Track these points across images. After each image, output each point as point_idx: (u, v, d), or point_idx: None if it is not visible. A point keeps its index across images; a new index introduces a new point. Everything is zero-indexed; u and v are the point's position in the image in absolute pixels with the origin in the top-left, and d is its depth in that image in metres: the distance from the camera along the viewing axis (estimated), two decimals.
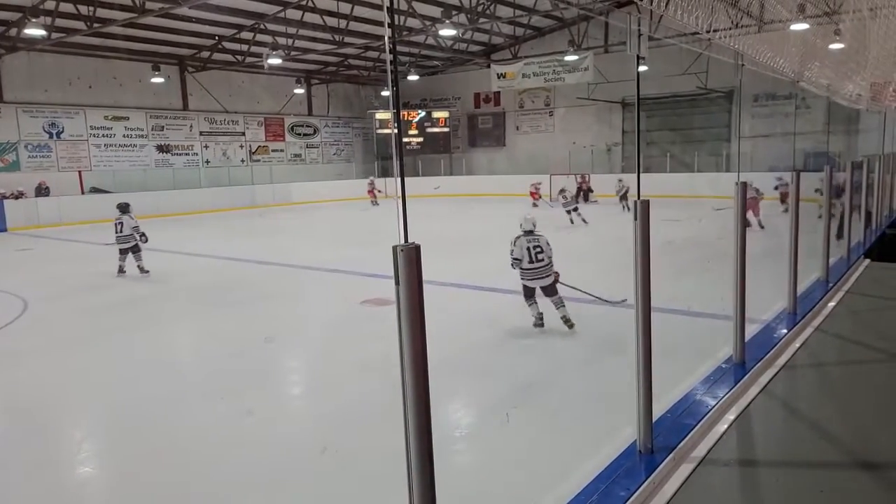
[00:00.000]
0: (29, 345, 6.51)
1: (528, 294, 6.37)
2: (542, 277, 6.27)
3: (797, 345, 5.10)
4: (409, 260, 2.00)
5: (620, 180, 17.69)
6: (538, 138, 26.96)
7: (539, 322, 6.24)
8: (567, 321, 6.08)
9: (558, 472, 3.41)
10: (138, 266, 9.85)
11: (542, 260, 6.30)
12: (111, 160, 21.37)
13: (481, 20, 20.00)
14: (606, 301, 6.87)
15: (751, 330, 4.95)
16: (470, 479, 3.47)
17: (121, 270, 9.85)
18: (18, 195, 18.27)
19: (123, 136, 21.66)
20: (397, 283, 2.01)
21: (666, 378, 3.92)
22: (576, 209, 14.79)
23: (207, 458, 3.81)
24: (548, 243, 6.38)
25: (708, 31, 4.30)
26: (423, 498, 2.11)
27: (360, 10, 18.45)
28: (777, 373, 4.51)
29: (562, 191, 15.59)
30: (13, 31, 17.26)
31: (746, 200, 12.45)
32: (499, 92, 26.55)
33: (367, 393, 4.73)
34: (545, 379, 4.90)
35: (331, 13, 18.57)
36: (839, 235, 11.13)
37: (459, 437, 3.96)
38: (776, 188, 14.29)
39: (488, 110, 28.33)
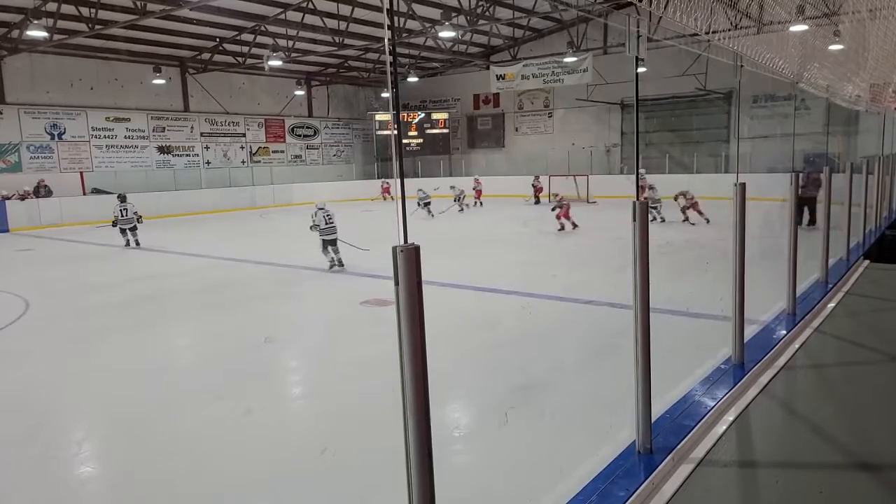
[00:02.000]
0: (30, 345, 6.53)
1: (325, 246, 9.75)
2: (333, 234, 9.79)
3: (796, 346, 5.11)
4: (409, 260, 2.01)
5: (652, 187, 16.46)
6: (537, 139, 26.99)
7: (335, 264, 9.78)
8: (340, 262, 9.78)
9: (557, 472, 3.41)
10: (136, 241, 13.18)
11: (332, 223, 9.78)
12: (112, 161, 21.40)
13: (480, 22, 20.05)
14: (358, 247, 10.14)
15: (750, 331, 4.96)
16: (469, 479, 3.48)
17: (128, 244, 13.15)
18: (24, 195, 18.29)
19: (125, 137, 21.69)
20: (397, 283, 2.02)
21: (665, 379, 3.93)
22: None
23: (207, 458, 3.82)
24: (332, 213, 9.77)
25: (707, 33, 4.32)
26: (422, 498, 2.11)
27: (360, 12, 18.47)
28: (776, 374, 4.51)
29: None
30: (15, 33, 17.30)
31: (695, 202, 12.27)
32: (498, 93, 26.59)
33: (367, 393, 4.73)
34: (544, 379, 4.91)
35: (331, 15, 18.60)
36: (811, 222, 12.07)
37: (458, 437, 3.97)
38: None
39: (487, 111, 28.36)
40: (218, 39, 20.96)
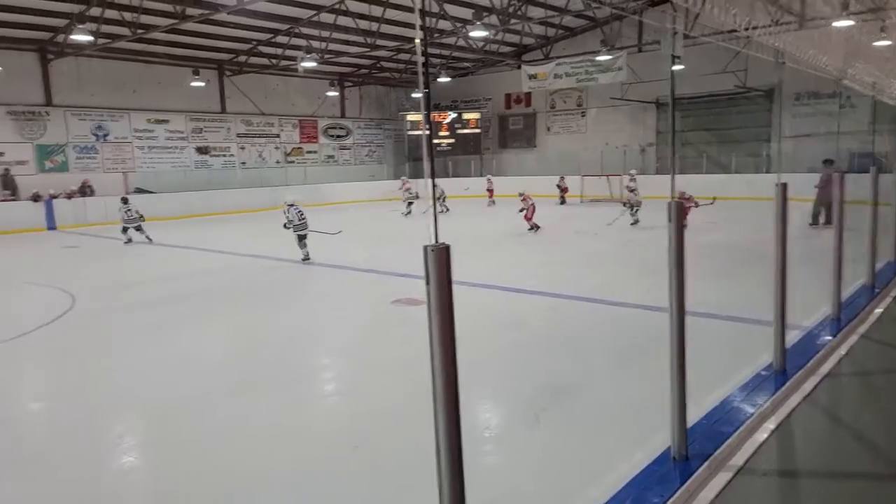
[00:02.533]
0: (76, 338, 6.74)
1: (301, 239, 10.58)
2: (305, 229, 10.60)
3: (841, 352, 4.94)
4: (440, 260, 2.00)
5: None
6: (570, 139, 26.74)
7: (308, 257, 10.59)
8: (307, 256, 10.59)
9: (588, 475, 3.37)
10: (146, 237, 14.06)
11: (304, 219, 10.61)
12: (153, 162, 21.97)
13: (512, 21, 19.93)
14: (328, 233, 11.41)
15: (792, 336, 4.82)
16: (499, 480, 3.45)
17: (130, 241, 13.99)
18: (70, 195, 18.92)
19: (165, 138, 22.25)
20: (427, 282, 2.01)
21: (702, 384, 3.84)
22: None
23: (241, 451, 3.88)
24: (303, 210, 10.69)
25: (747, 29, 4.21)
26: (452, 497, 2.11)
27: (392, 13, 18.57)
28: (820, 381, 4.37)
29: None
30: (61, 37, 17.91)
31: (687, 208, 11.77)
32: (530, 93, 26.41)
33: (398, 392, 4.75)
34: (575, 381, 4.85)
35: (363, 16, 18.75)
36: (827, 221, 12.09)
37: (489, 438, 3.95)
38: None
39: (519, 111, 28.21)
40: (254, 42, 21.33)
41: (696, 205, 13.28)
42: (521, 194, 14.46)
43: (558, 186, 21.76)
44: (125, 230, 14.16)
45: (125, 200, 14.92)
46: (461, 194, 23.37)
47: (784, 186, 4.18)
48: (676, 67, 3.55)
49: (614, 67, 21.50)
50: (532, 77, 23.83)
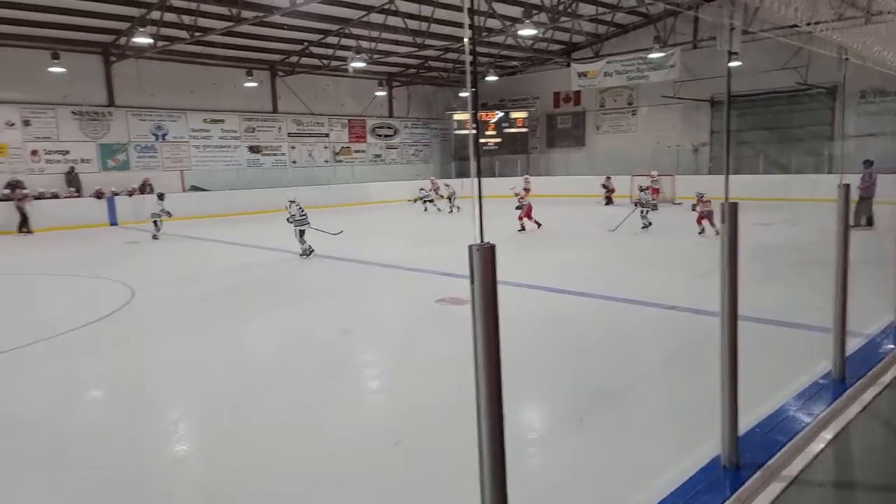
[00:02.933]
0: (134, 330, 7.03)
1: (301, 234, 11.31)
2: (305, 224, 11.33)
3: None
4: (485, 259, 2.00)
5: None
6: (620, 138, 26.26)
7: (306, 251, 11.31)
8: (311, 249, 11.35)
9: (633, 481, 3.31)
10: (155, 233, 15.04)
11: (305, 214, 11.36)
12: (208, 160, 22.70)
13: (562, 19, 19.70)
14: (328, 232, 12.16)
15: (852, 344, 4.61)
16: (542, 482, 3.43)
17: (155, 237, 14.72)
18: (131, 192, 19.77)
19: (220, 137, 22.96)
20: (472, 282, 2.02)
21: (755, 392, 3.72)
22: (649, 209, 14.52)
23: (287, 442, 3.97)
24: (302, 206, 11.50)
25: (808, 24, 4.05)
26: (494, 498, 2.10)
27: (441, 13, 18.64)
28: (881, 391, 4.17)
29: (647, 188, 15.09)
30: (123, 40, 18.70)
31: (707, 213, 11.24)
32: (579, 91, 26.06)
33: (441, 391, 4.77)
34: (620, 385, 4.76)
35: (412, 16, 18.87)
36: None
37: (532, 440, 3.92)
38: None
39: (568, 110, 27.87)
40: (305, 43, 21.75)
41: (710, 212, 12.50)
42: (516, 194, 14.83)
43: (604, 186, 21.39)
44: (157, 225, 15.12)
45: (161, 196, 15.96)
46: (505, 194, 23.25)
47: (846, 188, 4.00)
48: (733, 64, 3.44)
49: (667, 65, 21.00)
50: (582, 75, 23.52)
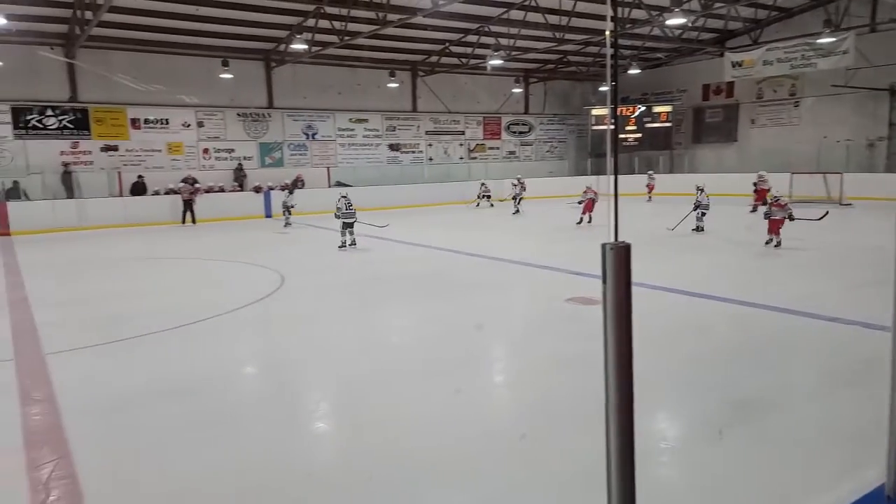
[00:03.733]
0: (282, 313, 7.68)
1: (345, 227, 12.15)
2: (353, 218, 12.10)
3: None
4: (619, 259, 1.96)
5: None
6: (778, 132, 24.04)
7: (345, 244, 12.26)
8: (354, 242, 12.27)
9: (776, 502, 3.06)
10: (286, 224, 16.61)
11: (352, 208, 12.07)
12: (352, 158, 24.11)
13: (717, 5, 18.38)
14: (375, 225, 13.29)
15: None
16: (673, 494, 3.27)
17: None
18: (285, 187, 21.55)
19: (363, 136, 24.28)
20: (605, 281, 1.98)
21: None
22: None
23: (418, 427, 4.14)
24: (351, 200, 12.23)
25: None
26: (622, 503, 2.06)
27: (582, 6, 18.21)
28: None
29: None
30: (282, 47, 20.38)
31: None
32: (732, 82, 24.20)
33: (568, 391, 4.71)
34: (766, 398, 4.40)
35: (552, 11, 18.63)
36: None
37: (664, 449, 3.76)
38: None
39: (718, 102, 26.00)
40: (445, 43, 22.31)
41: (791, 217, 10.83)
42: (588, 188, 14.88)
43: (755, 185, 19.37)
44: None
45: (291, 191, 18.28)
46: (645, 192, 22.32)
47: None
48: None
49: (838, 51, 18.87)
50: (736, 65, 21.85)
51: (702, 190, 13.49)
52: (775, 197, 11.27)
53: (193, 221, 18.87)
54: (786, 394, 4.56)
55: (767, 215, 11.12)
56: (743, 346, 5.72)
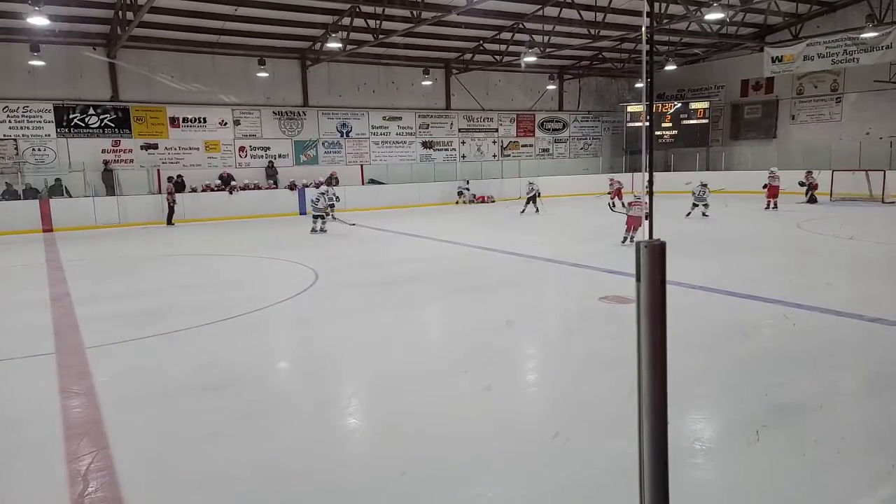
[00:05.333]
0: (316, 310, 7.80)
1: (315, 218, 14.92)
2: (320, 212, 14.97)
3: None
4: (654, 257, 1.95)
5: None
6: (819, 129, 23.37)
7: (320, 229, 15.06)
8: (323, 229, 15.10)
9: None
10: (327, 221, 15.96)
11: (319, 204, 15.05)
12: (385, 155, 24.26)
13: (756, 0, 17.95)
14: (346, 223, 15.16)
15: None
16: (708, 497, 3.23)
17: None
18: (318, 184, 21.81)
19: (396, 134, 24.41)
20: (638, 280, 1.97)
21: None
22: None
23: (451, 424, 4.17)
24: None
25: None
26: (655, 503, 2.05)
27: (619, 1, 17.97)
28: None
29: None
30: (317, 46, 20.62)
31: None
32: (772, 78, 23.61)
33: (600, 389, 4.68)
34: (807, 402, 4.30)
35: (588, 7, 18.44)
36: None
37: (699, 450, 3.71)
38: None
39: (757, 99, 25.41)
40: (479, 40, 22.27)
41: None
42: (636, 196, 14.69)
43: (805, 183, 18.83)
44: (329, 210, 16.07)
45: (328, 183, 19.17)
46: (683, 189, 21.88)
47: None
48: None
49: (882, 45, 18.26)
50: (776, 60, 21.32)
51: (704, 186, 15.79)
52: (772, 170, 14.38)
53: (169, 223, 18.25)
54: (827, 397, 4.44)
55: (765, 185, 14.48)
56: (787, 349, 5.57)
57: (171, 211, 18.39)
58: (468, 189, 23.56)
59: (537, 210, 18.72)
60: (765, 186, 17.62)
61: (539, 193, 19.02)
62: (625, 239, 11.50)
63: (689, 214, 15.64)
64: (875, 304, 6.73)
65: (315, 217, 15.30)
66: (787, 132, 24.53)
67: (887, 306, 6.64)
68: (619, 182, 18.94)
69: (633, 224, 11.44)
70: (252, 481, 3.51)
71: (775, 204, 17.33)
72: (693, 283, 7.86)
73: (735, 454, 3.66)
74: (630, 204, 11.84)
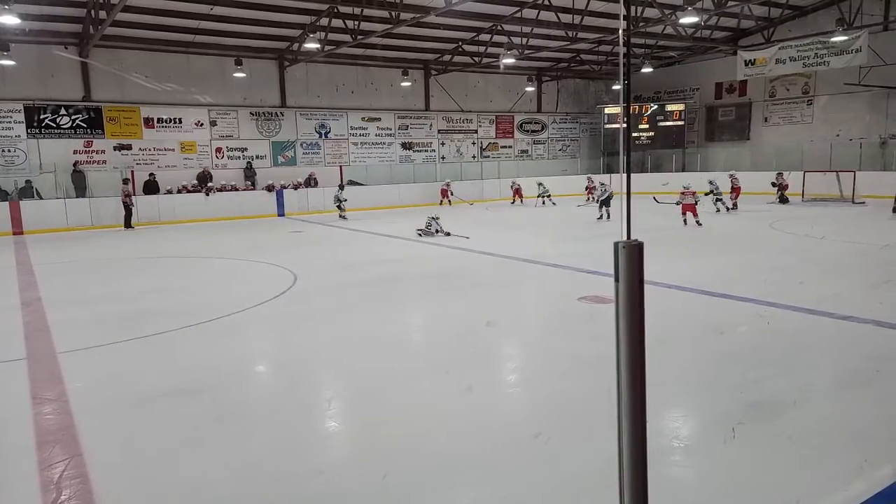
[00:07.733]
0: (296, 312, 7.72)
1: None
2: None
3: None
4: (631, 257, 1.97)
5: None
6: (791, 130, 23.86)
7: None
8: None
9: (793, 501, 3.05)
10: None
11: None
12: (365, 157, 24.18)
13: (730, 3, 18.26)
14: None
15: None
16: (685, 493, 3.27)
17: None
18: (297, 186, 21.68)
19: (375, 135, 24.34)
20: (617, 280, 1.99)
21: None
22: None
23: (431, 425, 4.16)
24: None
25: None
26: (634, 501, 2.07)
27: (595, 4, 18.15)
28: None
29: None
30: (295, 46, 20.48)
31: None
32: (745, 81, 24.02)
33: (581, 389, 4.72)
34: (782, 398, 4.38)
35: (565, 10, 18.60)
36: None
37: (677, 448, 3.75)
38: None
39: (731, 101, 25.85)
40: (458, 42, 22.31)
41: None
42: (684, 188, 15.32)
43: (773, 184, 19.40)
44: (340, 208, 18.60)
45: (342, 187, 19.19)
46: (659, 191, 22.16)
47: None
48: None
49: (851, 49, 18.72)
50: (749, 63, 21.71)
51: (686, 189, 15.65)
52: (685, 186, 14.56)
53: (127, 226, 17.66)
54: (801, 393, 4.52)
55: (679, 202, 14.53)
56: (762, 347, 5.66)
57: (129, 213, 17.67)
58: (452, 193, 23.36)
59: (544, 203, 21.46)
60: (678, 203, 14.65)
61: (549, 194, 21.85)
62: (685, 222, 14.03)
63: (717, 211, 16.93)
64: (845, 302, 6.88)
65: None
66: (759, 134, 24.99)
67: (857, 304, 6.80)
68: (598, 182, 20.13)
69: (687, 209, 14.06)
70: (230, 487, 3.46)
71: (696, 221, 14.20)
72: (670, 283, 7.96)
73: (712, 451, 3.71)
74: (682, 194, 14.30)
